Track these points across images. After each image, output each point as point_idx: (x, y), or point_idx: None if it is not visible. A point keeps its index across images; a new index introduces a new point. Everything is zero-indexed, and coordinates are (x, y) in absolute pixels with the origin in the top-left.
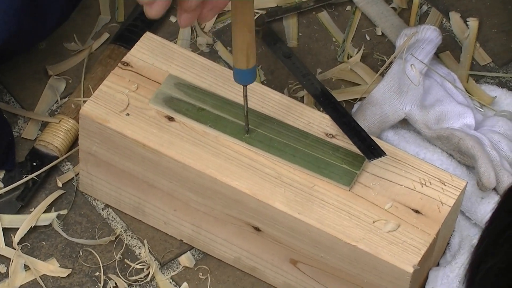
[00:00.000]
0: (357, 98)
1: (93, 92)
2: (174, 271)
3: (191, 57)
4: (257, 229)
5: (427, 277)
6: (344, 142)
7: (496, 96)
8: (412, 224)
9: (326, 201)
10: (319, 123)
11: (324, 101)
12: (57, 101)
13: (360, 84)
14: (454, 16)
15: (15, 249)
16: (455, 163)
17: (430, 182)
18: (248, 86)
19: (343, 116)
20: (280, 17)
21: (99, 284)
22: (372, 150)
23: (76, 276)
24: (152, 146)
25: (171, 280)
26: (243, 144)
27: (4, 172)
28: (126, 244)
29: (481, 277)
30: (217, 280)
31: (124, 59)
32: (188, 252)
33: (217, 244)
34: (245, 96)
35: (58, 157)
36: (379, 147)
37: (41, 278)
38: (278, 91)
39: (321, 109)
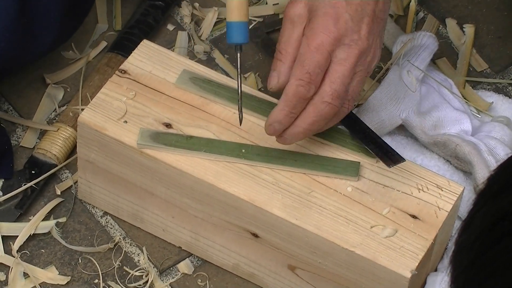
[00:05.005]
0: (354, 105)
1: (91, 100)
2: (173, 278)
3: (188, 65)
4: (255, 235)
5: (425, 283)
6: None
7: (492, 102)
8: (409, 229)
9: (324, 206)
10: None
11: None
12: (55, 109)
13: None
14: (451, 23)
15: (14, 257)
16: (452, 168)
17: (427, 188)
18: (244, 93)
19: (355, 123)
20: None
21: None
22: (390, 157)
23: (75, 284)
24: (149, 153)
25: (170, 287)
26: (242, 161)
27: (3, 180)
28: (125, 251)
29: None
30: (215, 286)
31: (122, 66)
32: (187, 259)
33: (215, 251)
34: (239, 64)
35: (56, 165)
36: (397, 153)
37: (40, 286)
38: (275, 98)
39: None
